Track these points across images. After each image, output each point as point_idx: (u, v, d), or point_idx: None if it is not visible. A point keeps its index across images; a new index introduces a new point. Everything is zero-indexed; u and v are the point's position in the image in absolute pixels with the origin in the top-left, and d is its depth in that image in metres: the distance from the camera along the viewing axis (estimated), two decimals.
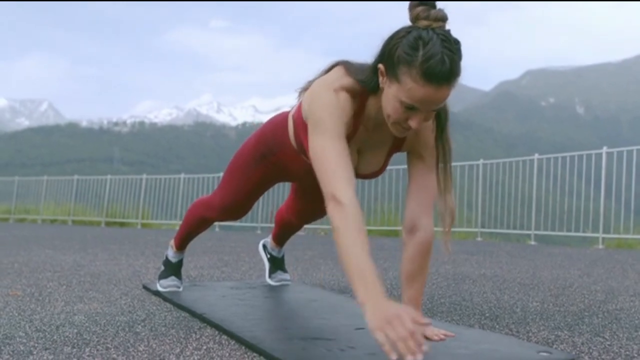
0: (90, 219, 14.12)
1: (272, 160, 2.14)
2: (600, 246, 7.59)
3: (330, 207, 1.57)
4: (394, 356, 1.30)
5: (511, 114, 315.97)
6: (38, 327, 1.95)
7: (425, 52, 1.49)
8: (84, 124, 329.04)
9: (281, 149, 2.06)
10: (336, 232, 1.54)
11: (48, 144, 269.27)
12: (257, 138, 2.20)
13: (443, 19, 1.55)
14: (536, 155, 9.03)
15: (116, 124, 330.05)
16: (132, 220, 13.54)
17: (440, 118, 1.74)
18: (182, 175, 13.31)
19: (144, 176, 14.00)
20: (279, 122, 2.09)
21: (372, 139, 1.82)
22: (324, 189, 1.60)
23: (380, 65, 1.61)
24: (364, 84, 1.69)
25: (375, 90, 1.69)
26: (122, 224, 13.58)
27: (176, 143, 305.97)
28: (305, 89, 1.85)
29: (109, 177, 14.51)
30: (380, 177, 10.70)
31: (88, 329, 1.94)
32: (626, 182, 8.10)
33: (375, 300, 1.43)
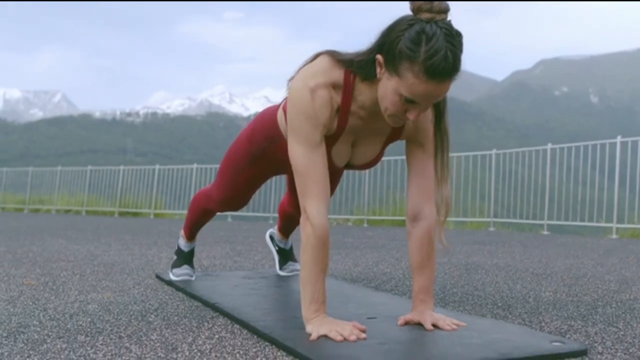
0: (104, 210, 14.20)
1: (264, 159, 2.15)
2: (614, 236, 7.54)
3: (302, 220, 1.68)
4: (340, 338, 1.55)
5: (524, 103, 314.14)
6: (52, 316, 1.97)
7: (429, 48, 1.47)
8: (97, 115, 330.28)
9: (272, 144, 2.05)
10: (303, 247, 1.68)
11: (62, 135, 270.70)
12: (247, 138, 2.19)
13: (446, 10, 1.51)
14: (549, 145, 8.97)
15: (129, 114, 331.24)
16: (145, 210, 13.60)
17: (439, 108, 1.72)
18: (195, 166, 13.35)
19: (157, 166, 14.04)
20: (267, 118, 2.07)
21: (368, 128, 1.79)
22: (299, 200, 1.69)
23: (379, 57, 1.58)
24: (356, 72, 1.66)
25: (370, 78, 1.66)
26: (135, 214, 13.65)
27: (189, 133, 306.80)
28: (293, 78, 1.82)
29: (122, 167, 14.57)
30: (392, 167, 10.71)
31: (101, 317, 1.95)
32: None
33: (321, 319, 1.65)
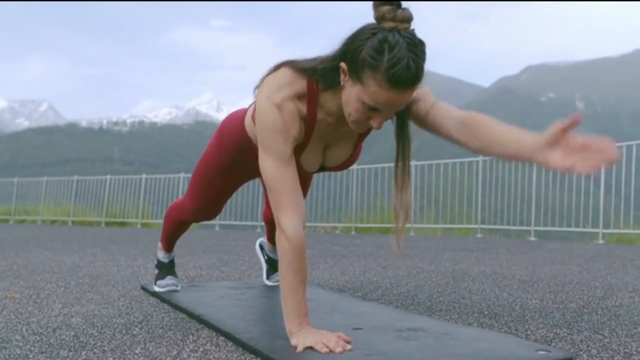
0: (90, 220, 14.11)
1: (236, 168, 2.15)
2: (600, 241, 7.58)
3: (277, 233, 1.66)
4: (325, 350, 1.54)
5: (511, 109, 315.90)
6: (35, 330, 1.94)
7: (391, 57, 1.47)
8: (84, 124, 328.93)
9: (244, 153, 2.04)
10: (280, 260, 1.66)
11: (48, 144, 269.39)
12: (216, 148, 2.18)
13: (409, 19, 1.51)
14: None
15: (116, 123, 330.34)
16: (132, 220, 13.53)
17: (401, 115, 1.71)
18: (182, 175, 13.30)
19: (144, 176, 13.99)
20: (234, 126, 2.06)
21: (338, 132, 1.79)
22: (273, 213, 1.67)
23: (343, 64, 1.58)
24: (319, 80, 1.67)
25: (334, 86, 1.66)
26: (122, 224, 13.58)
27: (176, 142, 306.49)
28: (258, 87, 1.76)
29: (108, 177, 14.50)
30: (379, 174, 10.71)
31: (85, 331, 1.93)
32: (626, 177, 8.08)
33: (306, 331, 1.62)
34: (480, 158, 9.60)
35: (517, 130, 1.60)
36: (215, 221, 11.59)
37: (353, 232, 10.17)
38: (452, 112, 1.72)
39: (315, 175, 2.49)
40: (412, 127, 1.74)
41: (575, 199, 8.68)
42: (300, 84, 1.67)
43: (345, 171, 10.54)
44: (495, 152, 1.64)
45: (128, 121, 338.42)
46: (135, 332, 1.92)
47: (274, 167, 1.65)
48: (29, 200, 15.82)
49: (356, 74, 1.54)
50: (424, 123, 1.74)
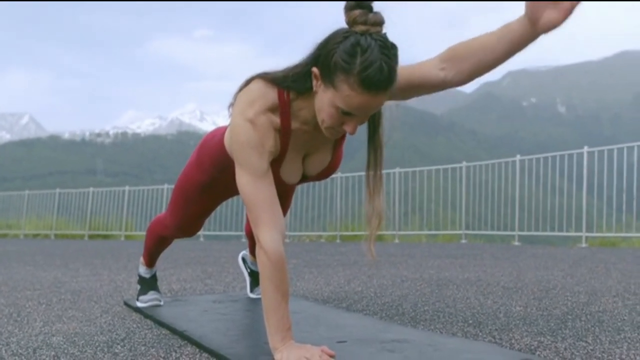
0: (73, 233, 13.99)
1: (216, 187, 2.14)
2: (584, 245, 7.63)
3: (257, 249, 1.65)
4: None
5: (493, 115, 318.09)
6: (14, 351, 1.91)
7: (364, 60, 1.46)
8: (66, 136, 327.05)
9: (223, 171, 2.02)
10: (260, 276, 1.64)
11: (29, 157, 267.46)
12: (196, 167, 2.17)
13: (380, 23, 1.50)
14: (518, 157, 9.07)
15: (99, 135, 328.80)
16: (115, 232, 13.44)
17: (373, 121, 1.70)
18: (165, 186, 13.25)
19: (127, 188, 13.91)
20: (214, 145, 2.04)
21: (317, 138, 1.77)
22: (252, 229, 1.66)
23: (315, 69, 1.57)
24: (290, 88, 1.65)
25: (306, 91, 1.64)
26: (105, 237, 13.48)
27: (159, 153, 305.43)
28: (232, 105, 1.75)
29: (91, 189, 14.40)
30: (363, 182, 10.67)
31: (66, 350, 1.90)
32: (608, 181, 8.15)
33: (290, 346, 1.60)
34: (464, 164, 9.64)
35: (495, 30, 1.61)
36: (200, 231, 11.54)
37: (338, 240, 10.16)
38: (427, 62, 1.70)
39: (299, 185, 2.48)
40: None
41: (558, 202, 8.73)
42: (272, 96, 1.66)
43: (329, 179, 10.54)
44: (490, 59, 1.63)
45: (111, 132, 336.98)
46: (117, 351, 1.89)
47: (250, 183, 1.64)
48: (10, 214, 15.69)
49: (329, 78, 1.53)
50: (410, 90, 1.70)
